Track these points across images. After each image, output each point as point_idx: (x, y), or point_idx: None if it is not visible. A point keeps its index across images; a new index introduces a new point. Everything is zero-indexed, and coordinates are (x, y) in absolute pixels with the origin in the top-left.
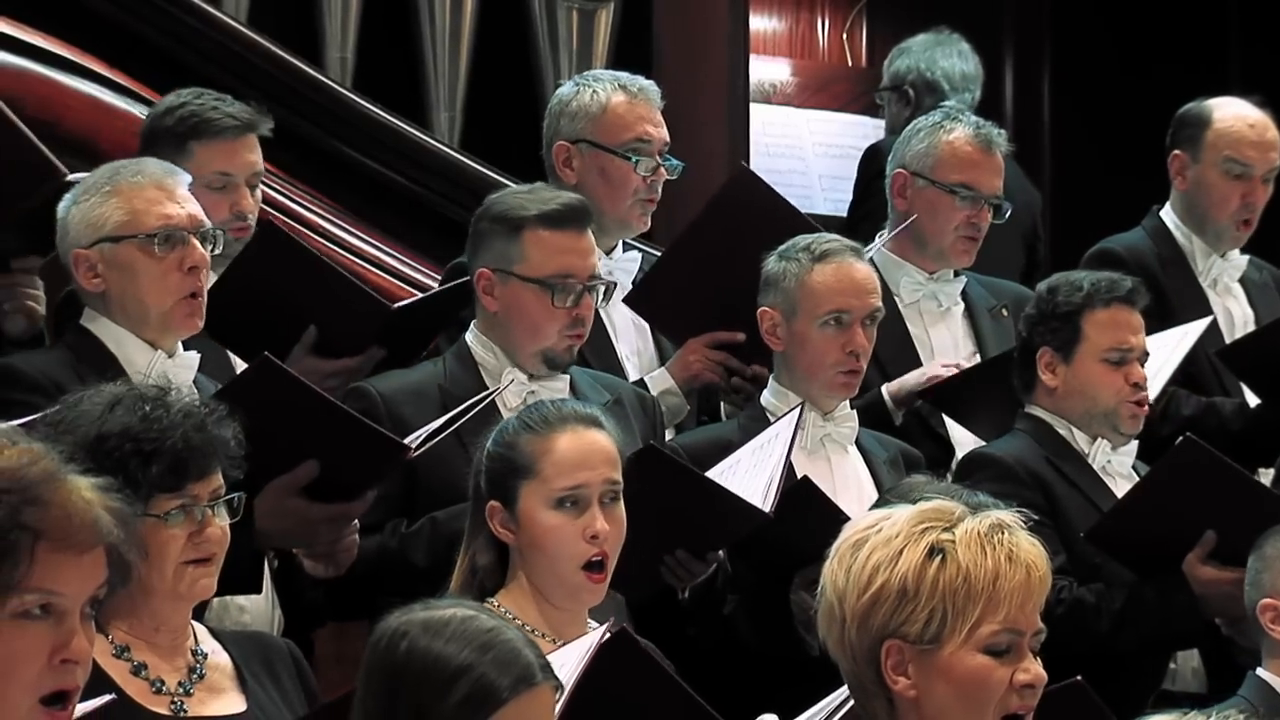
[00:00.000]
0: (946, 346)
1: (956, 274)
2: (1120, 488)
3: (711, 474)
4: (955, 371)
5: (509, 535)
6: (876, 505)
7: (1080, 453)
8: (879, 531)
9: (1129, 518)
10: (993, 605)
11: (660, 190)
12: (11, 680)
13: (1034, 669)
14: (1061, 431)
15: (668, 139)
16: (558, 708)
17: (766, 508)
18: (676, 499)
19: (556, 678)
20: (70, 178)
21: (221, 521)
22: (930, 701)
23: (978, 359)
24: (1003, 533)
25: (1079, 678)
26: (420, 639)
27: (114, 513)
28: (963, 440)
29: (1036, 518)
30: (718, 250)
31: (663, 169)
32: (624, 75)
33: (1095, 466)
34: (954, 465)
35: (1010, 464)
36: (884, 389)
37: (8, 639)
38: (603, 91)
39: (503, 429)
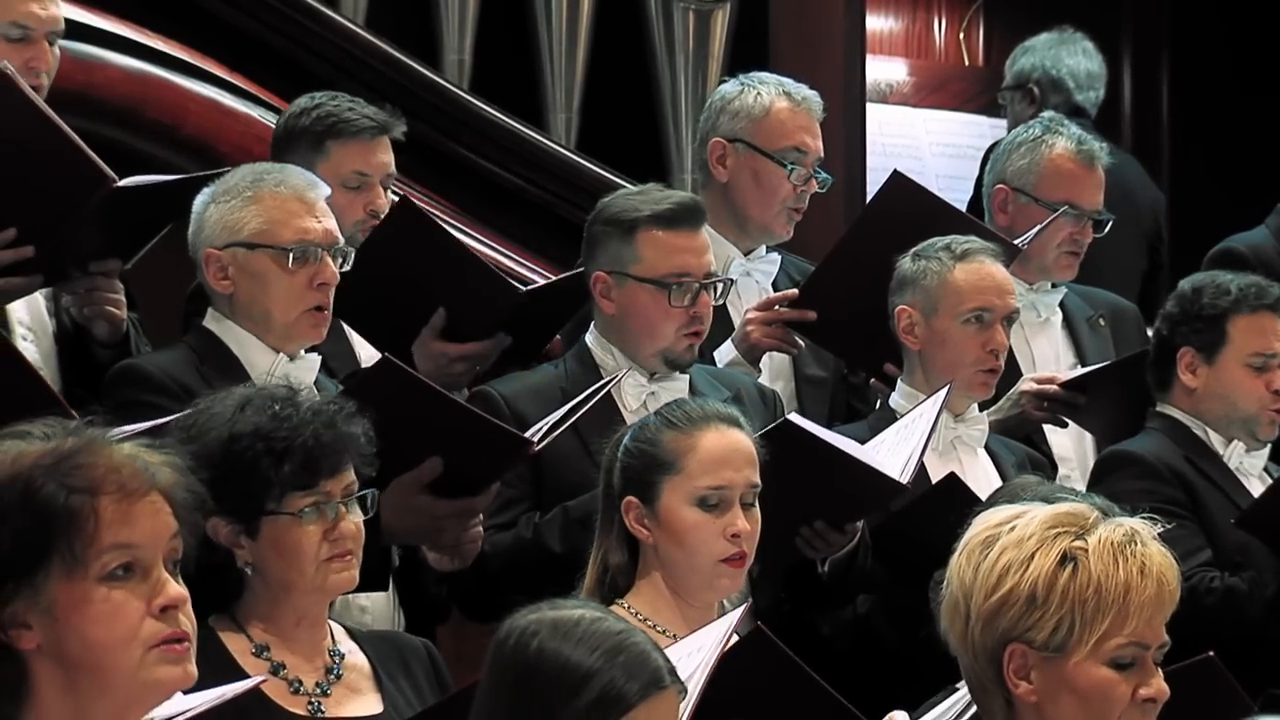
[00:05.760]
0: (1048, 358)
1: (1055, 285)
2: (1254, 487)
3: (856, 452)
4: (1041, 388)
5: (644, 533)
6: (986, 505)
7: (1215, 452)
8: (1011, 530)
9: None
10: (1122, 618)
11: (807, 202)
12: (118, 635)
13: (1156, 683)
14: (1196, 432)
15: (823, 153)
16: (691, 703)
17: (905, 480)
18: (812, 471)
19: (682, 681)
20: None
21: (355, 518)
22: (1051, 708)
23: (1079, 370)
24: (1135, 544)
25: (1211, 653)
26: (550, 640)
27: (167, 464)
28: (1064, 456)
29: (1169, 525)
30: (873, 259)
31: (814, 181)
32: (789, 82)
33: (1230, 466)
34: (1088, 467)
35: (1152, 461)
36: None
37: (102, 601)
38: (766, 95)
39: (643, 425)
